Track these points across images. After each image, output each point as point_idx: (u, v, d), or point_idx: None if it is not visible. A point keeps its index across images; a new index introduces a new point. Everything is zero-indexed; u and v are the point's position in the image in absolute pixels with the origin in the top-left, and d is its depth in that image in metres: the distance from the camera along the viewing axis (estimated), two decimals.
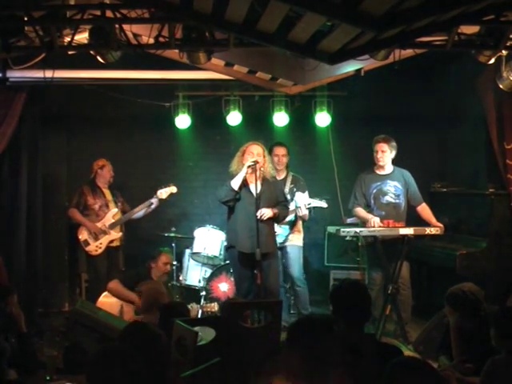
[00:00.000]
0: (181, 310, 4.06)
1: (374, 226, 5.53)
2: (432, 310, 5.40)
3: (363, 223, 5.77)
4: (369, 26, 3.53)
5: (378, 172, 5.90)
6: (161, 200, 6.44)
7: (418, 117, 7.23)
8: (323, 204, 6.12)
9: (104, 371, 2.27)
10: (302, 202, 6.01)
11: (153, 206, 6.44)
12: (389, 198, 5.85)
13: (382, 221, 5.59)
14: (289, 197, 6.12)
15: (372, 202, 5.86)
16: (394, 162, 5.90)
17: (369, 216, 5.66)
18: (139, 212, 6.45)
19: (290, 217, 6.10)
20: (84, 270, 6.63)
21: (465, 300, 3.88)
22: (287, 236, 6.18)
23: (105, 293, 5.46)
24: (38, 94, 6.35)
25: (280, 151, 6.26)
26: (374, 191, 5.87)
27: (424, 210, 5.83)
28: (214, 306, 6.25)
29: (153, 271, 5.66)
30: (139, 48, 4.65)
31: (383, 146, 5.77)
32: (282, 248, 6.13)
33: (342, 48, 4.12)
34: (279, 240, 6.01)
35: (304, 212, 6.03)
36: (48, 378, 4.14)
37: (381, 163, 5.82)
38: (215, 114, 7.04)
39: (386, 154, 5.80)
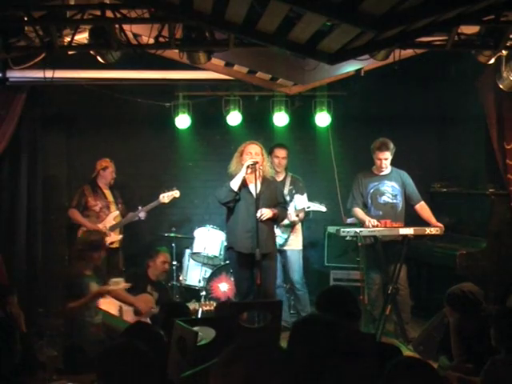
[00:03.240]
0: (181, 310, 4.06)
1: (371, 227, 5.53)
2: (432, 310, 5.41)
3: (361, 224, 5.78)
4: (369, 26, 3.53)
5: (375, 172, 5.91)
6: (162, 204, 6.44)
7: (417, 117, 7.22)
8: (322, 208, 6.07)
9: (115, 366, 2.27)
10: (302, 206, 6.01)
11: (136, 218, 6.45)
12: (386, 198, 5.85)
13: (379, 221, 5.59)
14: (288, 198, 6.11)
15: (369, 201, 5.87)
16: (394, 162, 5.89)
17: (366, 218, 5.66)
18: (140, 214, 6.45)
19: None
20: None
21: (465, 300, 3.89)
22: (287, 238, 6.18)
23: None
24: (38, 93, 6.36)
25: (281, 153, 6.25)
26: (372, 191, 5.87)
27: (423, 209, 5.83)
28: (213, 304, 6.24)
29: (150, 270, 5.66)
30: (139, 48, 4.65)
31: (386, 154, 5.75)
32: (282, 252, 6.13)
33: (342, 48, 4.11)
34: (279, 242, 6.01)
35: (293, 218, 6.03)
36: (48, 378, 4.14)
37: (384, 172, 5.82)
38: (215, 113, 7.03)
39: (387, 161, 5.81)
